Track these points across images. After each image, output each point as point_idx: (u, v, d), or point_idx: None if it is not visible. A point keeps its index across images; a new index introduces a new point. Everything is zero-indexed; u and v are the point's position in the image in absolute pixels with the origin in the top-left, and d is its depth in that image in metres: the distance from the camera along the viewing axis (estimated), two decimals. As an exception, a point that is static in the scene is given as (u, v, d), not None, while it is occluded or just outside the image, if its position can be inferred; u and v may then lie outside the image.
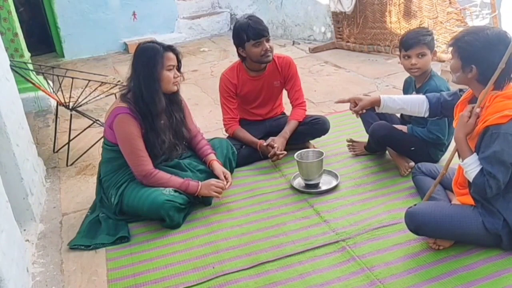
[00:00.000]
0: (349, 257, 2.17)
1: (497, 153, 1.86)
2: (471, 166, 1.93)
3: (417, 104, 2.38)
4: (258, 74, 3.13)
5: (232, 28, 7.37)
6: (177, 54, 2.63)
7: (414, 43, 2.63)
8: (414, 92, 2.71)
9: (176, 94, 2.70)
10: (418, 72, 2.67)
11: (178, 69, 2.66)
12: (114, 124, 2.55)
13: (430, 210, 2.09)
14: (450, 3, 4.32)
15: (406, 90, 2.89)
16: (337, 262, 2.14)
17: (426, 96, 2.36)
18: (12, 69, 3.06)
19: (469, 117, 1.95)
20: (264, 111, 3.28)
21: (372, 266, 2.09)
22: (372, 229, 2.34)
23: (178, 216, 2.53)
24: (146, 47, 2.59)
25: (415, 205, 2.15)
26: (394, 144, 2.79)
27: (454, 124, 2.12)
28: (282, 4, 6.59)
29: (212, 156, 2.80)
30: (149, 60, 2.54)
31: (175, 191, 2.55)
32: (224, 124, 3.21)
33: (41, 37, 6.86)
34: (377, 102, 2.41)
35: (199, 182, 2.62)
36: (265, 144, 3.04)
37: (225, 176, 2.72)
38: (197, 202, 2.69)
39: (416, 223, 2.09)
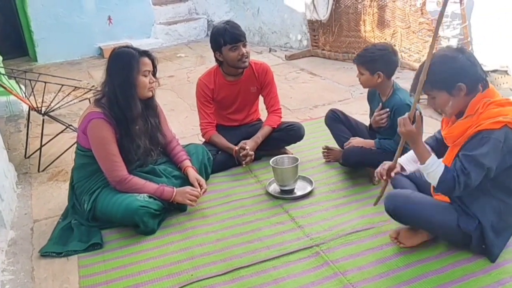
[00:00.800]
0: (323, 262, 2.19)
1: (481, 156, 1.89)
2: (434, 166, 1.97)
3: None
4: (235, 79, 3.15)
5: (209, 34, 7.42)
6: (152, 60, 2.62)
7: (355, 60, 2.72)
8: (380, 104, 2.75)
9: (151, 99, 2.69)
10: (362, 85, 2.76)
11: (154, 74, 2.65)
12: (88, 129, 2.52)
13: (412, 195, 2.15)
14: (422, 13, 4.43)
15: (371, 101, 2.93)
16: (311, 267, 2.16)
17: (427, 143, 2.26)
18: (-17, 72, 3.01)
19: (412, 122, 2.00)
20: (240, 116, 3.29)
21: (345, 270, 2.12)
22: (346, 234, 2.37)
23: (152, 222, 2.51)
24: (121, 52, 2.57)
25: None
26: (367, 164, 2.81)
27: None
28: (259, 11, 6.64)
29: (187, 163, 2.80)
30: (124, 65, 2.52)
31: (150, 197, 2.53)
32: (201, 129, 3.21)
33: (14, 41, 6.73)
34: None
35: (174, 188, 2.61)
36: (236, 148, 3.05)
37: (199, 184, 2.71)
38: (172, 208, 2.68)
39: (395, 204, 2.13)
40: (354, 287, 2.02)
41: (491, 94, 1.98)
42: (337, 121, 3.05)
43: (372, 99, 2.90)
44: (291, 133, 3.20)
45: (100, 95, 2.61)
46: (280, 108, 3.27)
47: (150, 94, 2.63)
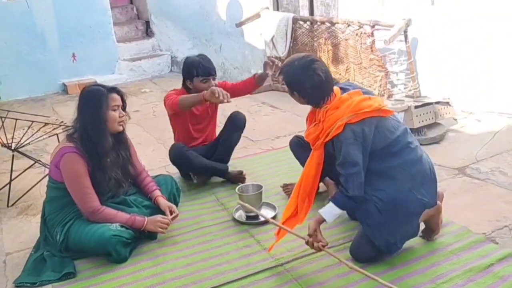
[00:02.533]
0: (287, 279, 2.37)
1: (346, 156, 2.25)
2: (330, 212, 2.34)
3: None
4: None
5: (173, 69, 7.64)
6: (121, 95, 2.78)
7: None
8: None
9: (122, 133, 2.84)
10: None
11: (124, 109, 2.81)
12: (61, 163, 2.64)
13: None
14: (372, 51, 4.81)
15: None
16: (276, 285, 2.34)
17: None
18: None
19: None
20: (203, 135, 3.54)
21: (307, 286, 2.31)
22: (307, 254, 2.57)
23: (124, 251, 2.63)
24: (90, 90, 2.73)
25: None
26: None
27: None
28: (221, 48, 6.94)
29: (157, 192, 2.94)
30: (94, 102, 2.67)
31: (122, 226, 2.65)
32: (167, 98, 3.31)
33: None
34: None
35: (145, 217, 2.75)
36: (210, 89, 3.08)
37: (170, 211, 2.86)
38: (142, 237, 2.80)
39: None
40: (316, 300, 2.21)
41: (330, 101, 2.34)
42: (300, 146, 3.28)
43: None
44: (234, 119, 3.50)
45: (72, 130, 2.74)
46: None
47: (121, 128, 2.78)
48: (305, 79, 2.31)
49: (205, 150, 3.52)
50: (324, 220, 2.36)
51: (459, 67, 4.56)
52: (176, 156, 3.36)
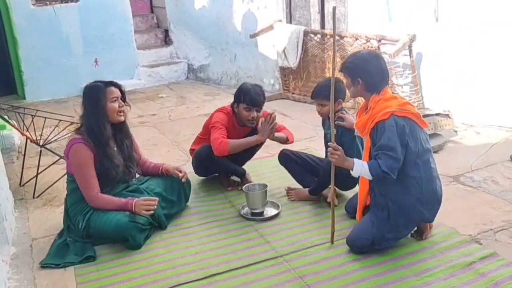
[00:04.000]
0: (285, 269, 2.61)
1: (387, 141, 2.47)
2: (359, 168, 2.54)
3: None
4: (245, 127, 3.56)
5: (189, 76, 7.96)
6: (119, 87, 3.03)
7: (315, 96, 3.22)
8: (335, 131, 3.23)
9: (123, 123, 3.09)
10: (323, 116, 3.26)
11: (123, 100, 3.05)
12: (69, 153, 2.95)
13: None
14: (378, 63, 5.04)
15: (324, 125, 3.40)
16: (275, 273, 2.58)
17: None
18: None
19: (336, 151, 2.60)
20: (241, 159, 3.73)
21: (303, 275, 2.54)
22: (306, 248, 2.81)
23: (139, 236, 2.90)
24: (90, 86, 3.01)
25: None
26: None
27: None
28: (235, 57, 7.23)
29: (163, 165, 3.31)
30: (93, 96, 2.95)
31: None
32: (216, 140, 3.33)
33: (3, 80, 7.10)
34: None
35: (134, 200, 2.92)
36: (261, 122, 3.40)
37: (179, 171, 3.24)
38: (155, 225, 3.06)
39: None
40: (310, 287, 2.44)
41: (384, 94, 2.60)
42: (290, 162, 3.52)
43: (324, 123, 3.38)
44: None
45: (80, 125, 3.05)
46: (285, 128, 3.66)
47: (122, 118, 3.03)
48: (372, 63, 2.60)
49: (240, 160, 3.70)
50: (351, 167, 2.56)
51: (461, 81, 4.77)
52: (206, 155, 3.49)
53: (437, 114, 4.37)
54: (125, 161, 3.10)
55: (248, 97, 3.41)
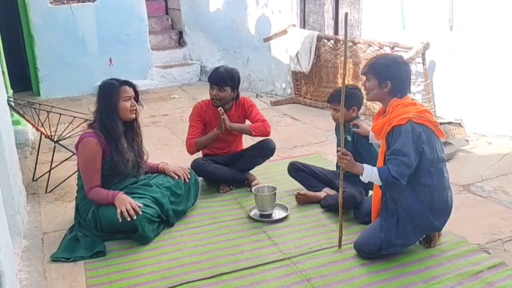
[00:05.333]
0: (292, 271, 2.63)
1: (401, 146, 2.48)
2: (369, 173, 2.55)
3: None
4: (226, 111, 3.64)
5: (201, 78, 8.01)
6: (133, 87, 3.09)
7: (331, 100, 3.25)
8: (349, 136, 3.23)
9: (134, 121, 3.15)
10: (336, 122, 3.27)
11: (136, 99, 3.11)
12: (78, 146, 3.01)
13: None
14: (390, 70, 5.05)
15: (337, 132, 3.43)
16: (282, 275, 2.60)
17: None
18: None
19: (345, 156, 2.61)
20: (227, 147, 3.80)
21: (310, 277, 2.56)
22: (313, 251, 2.83)
23: (148, 227, 2.93)
24: (105, 83, 3.08)
25: None
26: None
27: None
28: (248, 60, 7.28)
29: (160, 164, 3.36)
30: (107, 93, 3.01)
31: (146, 205, 2.96)
32: (186, 142, 3.64)
33: (19, 77, 7.20)
34: None
35: (119, 193, 2.94)
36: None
37: (176, 174, 3.27)
38: (163, 218, 3.10)
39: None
40: (317, 290, 2.46)
41: (405, 99, 2.60)
42: (298, 171, 3.55)
43: (337, 129, 3.39)
44: (264, 147, 3.72)
45: (93, 120, 3.11)
46: (266, 120, 3.70)
47: (133, 116, 3.09)
48: (402, 67, 2.61)
49: (229, 158, 3.77)
50: (361, 172, 2.58)
51: (474, 90, 4.76)
52: (197, 171, 3.62)
53: (448, 123, 4.36)
54: (135, 157, 3.16)
55: (210, 76, 3.60)
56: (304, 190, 3.51)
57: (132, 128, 3.17)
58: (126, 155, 3.06)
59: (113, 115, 3.00)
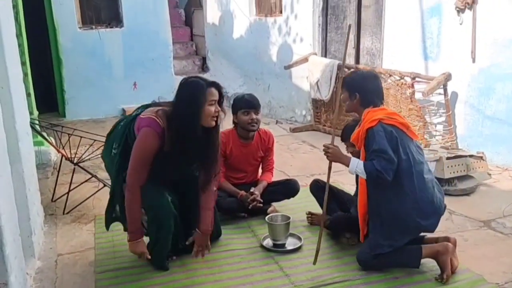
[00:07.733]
0: (303, 304, 2.58)
1: (377, 144, 2.65)
2: (355, 165, 2.70)
3: None
4: (247, 142, 3.68)
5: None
6: (219, 90, 2.75)
7: (344, 138, 3.29)
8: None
9: (213, 129, 2.77)
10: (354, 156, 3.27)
11: (220, 104, 2.77)
12: (139, 132, 2.70)
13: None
14: (411, 101, 5.01)
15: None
16: (292, 308, 2.55)
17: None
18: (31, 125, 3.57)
19: (328, 149, 2.87)
20: (245, 177, 3.80)
21: (321, 312, 2.50)
22: (326, 284, 2.77)
23: (169, 223, 2.85)
24: (191, 81, 2.72)
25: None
26: (348, 230, 3.23)
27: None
28: (269, 87, 7.34)
29: (202, 220, 2.94)
30: (192, 94, 2.65)
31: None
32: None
33: (46, 98, 7.41)
34: None
35: (140, 239, 2.79)
36: (242, 193, 3.58)
37: (200, 249, 2.96)
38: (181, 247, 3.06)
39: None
40: (327, 325, 2.40)
41: (376, 109, 2.78)
42: (320, 190, 3.51)
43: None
44: (289, 187, 3.74)
45: (164, 110, 2.73)
46: (274, 168, 3.85)
47: (213, 123, 2.73)
48: (369, 81, 2.87)
49: (244, 188, 3.73)
50: (347, 164, 2.79)
51: (497, 123, 4.66)
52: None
53: (470, 156, 4.27)
54: (192, 169, 2.87)
55: (244, 101, 3.63)
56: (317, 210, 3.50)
57: (208, 135, 2.76)
58: (178, 164, 2.74)
59: (194, 120, 2.64)
